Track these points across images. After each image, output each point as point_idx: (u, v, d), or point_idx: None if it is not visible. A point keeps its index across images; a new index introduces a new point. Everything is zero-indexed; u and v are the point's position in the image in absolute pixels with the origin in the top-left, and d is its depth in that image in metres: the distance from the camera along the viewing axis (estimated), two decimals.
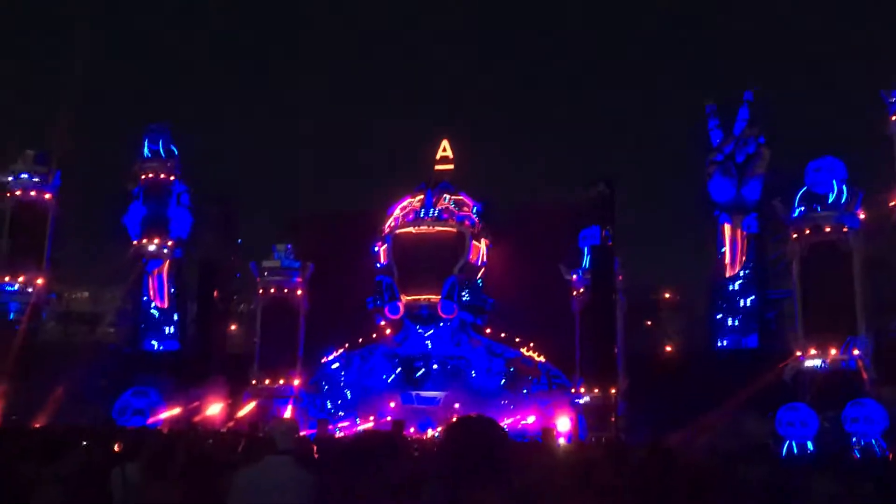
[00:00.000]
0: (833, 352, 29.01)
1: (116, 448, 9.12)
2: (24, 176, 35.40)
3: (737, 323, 33.02)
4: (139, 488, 6.67)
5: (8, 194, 35.44)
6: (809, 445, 27.32)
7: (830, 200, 30.39)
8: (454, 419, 2.94)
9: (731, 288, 33.29)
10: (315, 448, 10.05)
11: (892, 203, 29.77)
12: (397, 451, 4.90)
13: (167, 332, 37.16)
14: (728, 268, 33.45)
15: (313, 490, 5.31)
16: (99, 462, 8.17)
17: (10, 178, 35.27)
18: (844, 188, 30.40)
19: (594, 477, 5.65)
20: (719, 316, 33.45)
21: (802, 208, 30.71)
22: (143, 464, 7.00)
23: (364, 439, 6.29)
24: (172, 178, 37.98)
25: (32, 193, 35.48)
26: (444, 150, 37.63)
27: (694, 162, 34.98)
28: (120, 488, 7.02)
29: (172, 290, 37.35)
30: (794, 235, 30.67)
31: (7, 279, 34.66)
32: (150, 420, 29.77)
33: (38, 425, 24.95)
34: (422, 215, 35.61)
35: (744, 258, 33.27)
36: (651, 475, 5.53)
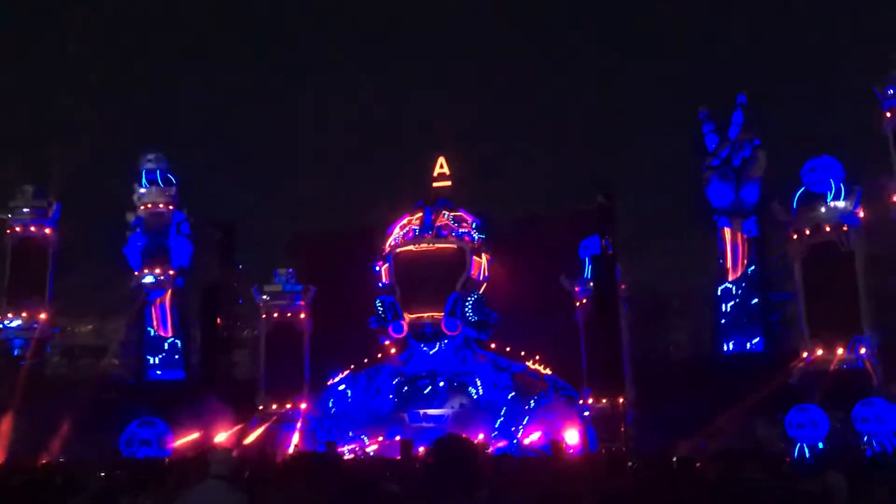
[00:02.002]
0: (840, 351, 28.94)
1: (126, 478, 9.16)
2: (25, 211, 35.50)
3: (741, 327, 32.94)
4: None
5: (8, 231, 35.54)
6: (820, 446, 27.18)
7: (829, 199, 30.40)
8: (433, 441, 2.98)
9: (733, 292, 33.24)
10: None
11: (893, 199, 29.74)
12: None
13: (172, 361, 37.09)
14: (730, 272, 33.43)
15: None
16: (111, 494, 8.20)
17: (9, 216, 35.37)
18: (842, 186, 30.43)
19: (601, 485, 5.64)
20: (723, 321, 33.38)
21: (800, 209, 30.73)
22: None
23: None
24: (171, 207, 38.00)
25: (32, 228, 35.59)
26: (441, 166, 37.76)
27: (692, 167, 35.03)
28: None
29: (175, 318, 37.32)
30: (795, 236, 30.67)
31: (10, 315, 34.69)
32: (159, 449, 29.67)
33: (44, 461, 24.84)
34: (421, 233, 35.67)
35: (745, 261, 33.25)
36: (662, 485, 5.53)
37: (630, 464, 16.39)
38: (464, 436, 3.09)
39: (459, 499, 2.71)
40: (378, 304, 34.85)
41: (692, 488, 5.21)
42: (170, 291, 37.32)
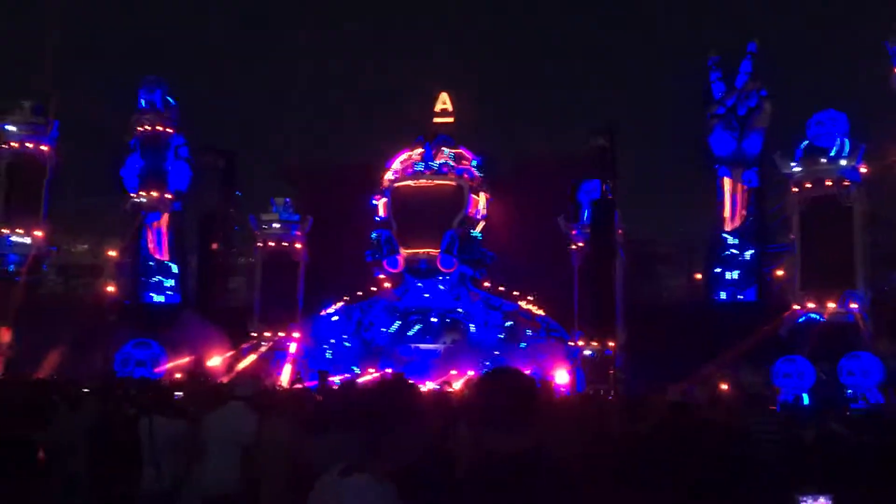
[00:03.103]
0: (831, 305, 29.22)
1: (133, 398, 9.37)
2: (22, 127, 35.12)
3: (735, 276, 33.14)
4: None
5: (4, 145, 35.21)
6: (805, 397, 27.66)
7: (832, 154, 30.30)
8: (485, 373, 3.02)
9: (730, 241, 33.34)
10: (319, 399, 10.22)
11: (895, 157, 29.67)
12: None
13: (167, 284, 37.24)
14: (727, 221, 33.46)
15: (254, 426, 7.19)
16: (116, 412, 8.34)
17: (6, 129, 35.00)
18: (846, 142, 30.30)
19: (609, 427, 5.72)
20: (718, 269, 33.56)
21: (802, 162, 30.63)
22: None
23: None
24: (170, 130, 37.66)
25: (30, 145, 35.25)
26: (444, 102, 37.35)
27: (694, 114, 34.77)
28: (148, 437, 7.22)
29: (172, 242, 37.31)
30: (795, 189, 30.64)
31: (6, 231, 34.61)
32: (153, 371, 30.02)
33: (40, 376, 25.13)
34: (421, 169, 35.46)
35: (744, 212, 33.27)
36: (672, 430, 5.60)
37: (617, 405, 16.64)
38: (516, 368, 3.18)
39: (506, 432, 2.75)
40: (374, 237, 34.85)
41: (701, 434, 5.29)
42: (167, 215, 37.23)
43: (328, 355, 34.55)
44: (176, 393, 10.41)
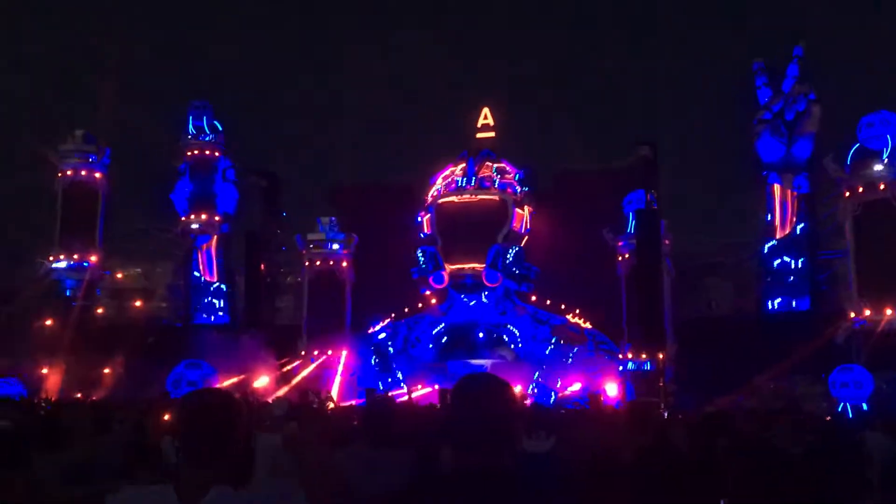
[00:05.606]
0: (888, 312, 28.36)
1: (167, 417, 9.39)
2: (76, 155, 36.17)
3: (787, 285, 32.38)
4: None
5: (59, 174, 36.29)
6: (864, 407, 26.81)
7: (885, 156, 29.50)
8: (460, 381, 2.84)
9: (781, 249, 32.62)
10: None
11: None
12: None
13: (217, 305, 37.86)
14: (778, 229, 32.76)
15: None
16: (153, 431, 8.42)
17: (60, 158, 36.09)
18: None
19: (633, 436, 5.62)
20: (769, 278, 32.84)
21: (854, 166, 29.89)
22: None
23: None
24: (217, 153, 38.46)
25: (83, 172, 36.28)
26: (486, 117, 37.38)
27: (741, 122, 34.22)
28: (172, 454, 7.24)
29: (220, 264, 37.97)
30: (847, 194, 29.89)
31: (61, 257, 35.61)
32: None
33: (95, 398, 25.68)
34: (464, 184, 35.48)
35: (794, 219, 32.54)
36: (701, 440, 5.48)
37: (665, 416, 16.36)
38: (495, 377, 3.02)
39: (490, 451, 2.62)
40: (419, 254, 34.94)
41: (717, 443, 5.16)
42: (215, 237, 37.92)
43: (376, 373, 34.69)
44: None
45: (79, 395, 28.37)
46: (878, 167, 29.49)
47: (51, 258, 35.80)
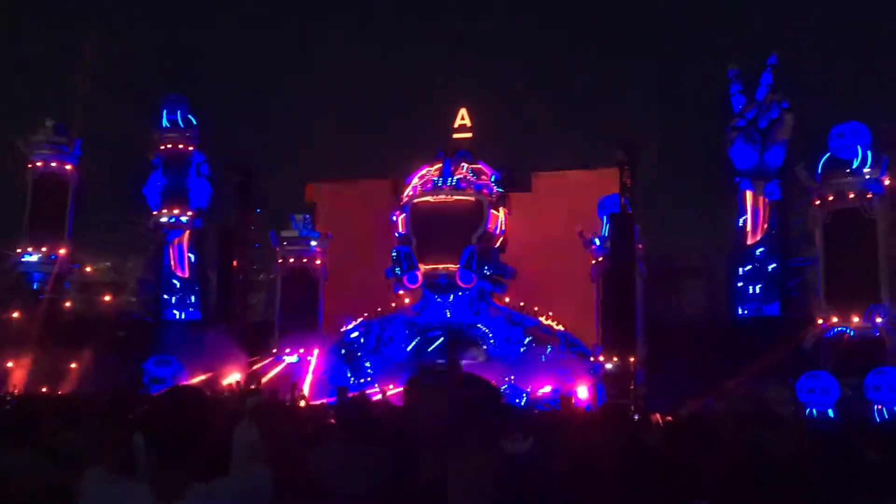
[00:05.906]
0: (856, 319, 28.79)
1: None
2: (46, 146, 35.63)
3: (758, 290, 32.76)
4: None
5: (29, 165, 35.72)
6: (830, 413, 27.22)
7: (855, 166, 29.96)
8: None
9: (752, 255, 33.00)
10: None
11: None
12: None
13: (188, 301, 37.49)
14: (749, 235, 33.14)
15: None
16: (121, 427, 8.28)
17: (31, 149, 35.53)
18: (869, 154, 29.96)
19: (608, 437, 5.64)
20: (740, 284, 33.20)
21: (824, 174, 30.32)
22: None
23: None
24: (191, 147, 38.07)
25: (53, 164, 35.75)
26: (463, 118, 37.41)
27: (715, 128, 34.53)
28: (142, 452, 7.12)
29: (193, 259, 37.62)
30: (818, 202, 30.31)
31: (30, 249, 35.06)
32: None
33: (61, 392, 25.35)
34: (440, 184, 35.46)
35: (766, 225, 32.92)
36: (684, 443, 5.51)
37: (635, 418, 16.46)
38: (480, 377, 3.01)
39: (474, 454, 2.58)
40: (394, 253, 34.88)
41: (703, 445, 5.19)
42: (188, 232, 37.56)
43: (348, 372, 34.58)
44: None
45: (44, 389, 27.99)
46: (848, 176, 29.94)
47: (19, 250, 35.26)
